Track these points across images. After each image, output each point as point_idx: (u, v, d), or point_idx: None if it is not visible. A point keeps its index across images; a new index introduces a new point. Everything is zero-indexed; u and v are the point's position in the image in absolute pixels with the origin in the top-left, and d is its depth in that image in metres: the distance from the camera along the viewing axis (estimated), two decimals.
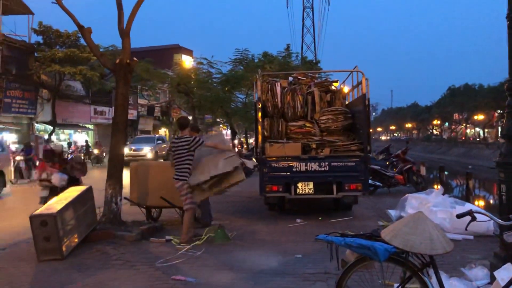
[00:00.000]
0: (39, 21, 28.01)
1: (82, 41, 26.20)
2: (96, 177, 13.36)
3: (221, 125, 41.31)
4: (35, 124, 29.27)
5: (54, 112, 29.46)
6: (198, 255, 6.17)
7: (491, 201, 17.98)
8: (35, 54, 28.26)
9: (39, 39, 28.65)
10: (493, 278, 4.03)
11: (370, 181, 11.13)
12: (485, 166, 31.58)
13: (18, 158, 18.81)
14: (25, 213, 6.96)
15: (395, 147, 28.14)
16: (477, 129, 60.96)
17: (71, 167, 8.71)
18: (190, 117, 34.93)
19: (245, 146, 32.69)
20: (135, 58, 7.97)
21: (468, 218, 2.98)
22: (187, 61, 30.78)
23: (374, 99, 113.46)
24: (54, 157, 8.63)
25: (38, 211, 6.11)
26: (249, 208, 10.40)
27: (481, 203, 15.97)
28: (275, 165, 8.62)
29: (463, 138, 62.11)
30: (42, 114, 29.49)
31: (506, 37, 4.51)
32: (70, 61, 27.11)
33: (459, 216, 2.98)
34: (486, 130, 57.07)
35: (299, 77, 10.71)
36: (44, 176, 8.36)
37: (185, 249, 6.41)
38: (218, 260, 5.95)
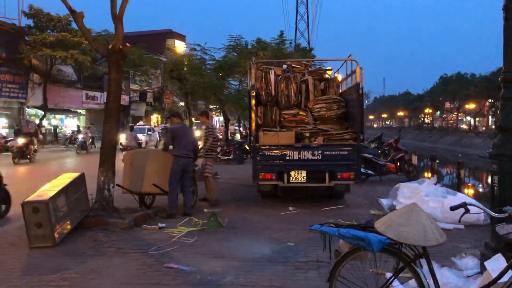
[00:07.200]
0: (30, 4, 27.57)
1: (73, 25, 25.87)
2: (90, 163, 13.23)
3: (213, 112, 41.07)
4: (26, 108, 28.99)
5: (45, 96, 29.18)
6: (191, 242, 6.18)
7: (481, 190, 18.15)
8: (26, 38, 27.84)
9: (30, 22, 28.24)
10: (483, 268, 4.08)
11: (362, 170, 11.18)
12: (475, 155, 31.81)
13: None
14: None
15: (387, 135, 28.24)
16: (468, 117, 61.27)
17: None
18: (182, 104, 34.74)
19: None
20: (128, 44, 7.86)
21: (462, 210, 2.99)
22: (180, 47, 30.52)
23: (366, 87, 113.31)
24: None
25: (30, 198, 6.07)
26: (242, 195, 10.41)
27: (471, 191, 16.10)
28: (269, 153, 8.64)
29: (456, 126, 62.25)
30: (33, 98, 29.19)
31: (502, 28, 4.49)
32: (62, 45, 26.78)
33: (453, 208, 2.99)
34: (477, 119, 57.41)
35: (293, 65, 10.66)
36: None
37: (178, 236, 6.43)
38: (211, 248, 5.97)
